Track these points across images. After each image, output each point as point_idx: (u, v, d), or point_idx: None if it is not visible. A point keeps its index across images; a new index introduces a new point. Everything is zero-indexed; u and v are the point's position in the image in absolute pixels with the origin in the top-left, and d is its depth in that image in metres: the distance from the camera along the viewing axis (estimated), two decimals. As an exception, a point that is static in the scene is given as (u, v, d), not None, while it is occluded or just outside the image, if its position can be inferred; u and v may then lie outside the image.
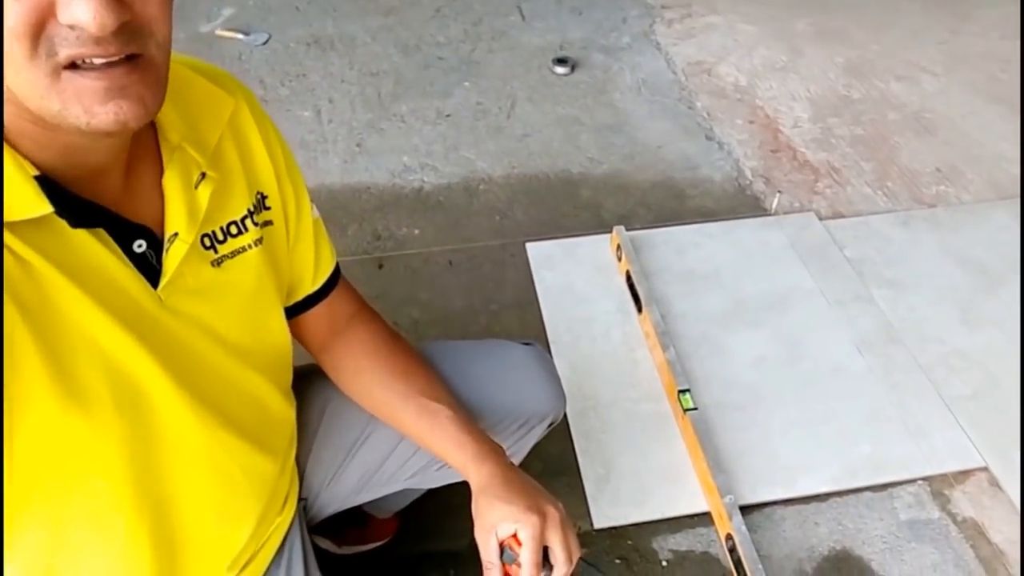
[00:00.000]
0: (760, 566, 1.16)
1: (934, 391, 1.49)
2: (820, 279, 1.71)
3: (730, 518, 1.21)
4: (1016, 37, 2.55)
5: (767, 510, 1.31)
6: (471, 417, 0.82)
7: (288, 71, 2.37)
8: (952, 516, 1.32)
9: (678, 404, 1.39)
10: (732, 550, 1.21)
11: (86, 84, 0.49)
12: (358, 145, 2.10)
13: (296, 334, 0.83)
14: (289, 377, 0.82)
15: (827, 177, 2.04)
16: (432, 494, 1.32)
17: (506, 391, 0.90)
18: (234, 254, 0.68)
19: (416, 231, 1.84)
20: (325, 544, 1.23)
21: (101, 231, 0.58)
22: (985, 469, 1.38)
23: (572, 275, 1.71)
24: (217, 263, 0.67)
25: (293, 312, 0.81)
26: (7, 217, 0.53)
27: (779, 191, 1.96)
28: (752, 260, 1.75)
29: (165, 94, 0.55)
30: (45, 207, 0.53)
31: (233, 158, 0.68)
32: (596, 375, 1.50)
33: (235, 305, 0.69)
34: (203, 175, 0.64)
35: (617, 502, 1.30)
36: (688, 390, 1.39)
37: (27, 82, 0.48)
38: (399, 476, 0.93)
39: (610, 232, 1.77)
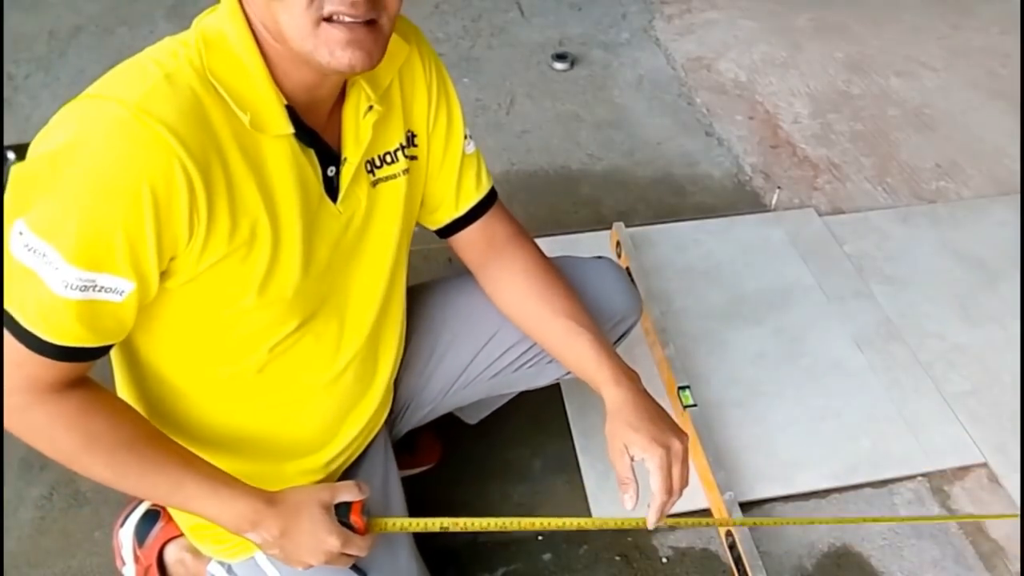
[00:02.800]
0: (760, 563, 1.16)
1: (934, 387, 1.49)
2: (820, 275, 1.71)
3: (730, 514, 1.21)
4: (1016, 32, 2.55)
5: (767, 506, 1.31)
6: (609, 344, 0.92)
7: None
8: (952, 512, 1.32)
9: (677, 401, 1.39)
10: (732, 547, 1.21)
11: (335, 34, 0.66)
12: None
13: (455, 250, 0.99)
14: (404, 281, 0.97)
15: (827, 173, 2.04)
16: (435, 494, 1.32)
17: (586, 295, 0.98)
18: (387, 179, 0.85)
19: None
20: None
21: (312, 153, 0.76)
22: (984, 465, 1.38)
23: (572, 272, 1.71)
24: (374, 184, 0.83)
25: (447, 232, 0.97)
26: (269, 131, 0.71)
27: (779, 187, 1.96)
28: (752, 256, 1.75)
29: (385, 53, 0.71)
30: (289, 129, 0.72)
31: (397, 99, 0.84)
32: (596, 372, 1.49)
33: (383, 218, 0.86)
34: (370, 107, 0.79)
35: (617, 500, 1.29)
36: (688, 387, 1.39)
37: (296, 26, 0.65)
38: (485, 375, 1.05)
39: (610, 229, 1.77)
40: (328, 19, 0.65)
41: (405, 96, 0.85)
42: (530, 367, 1.06)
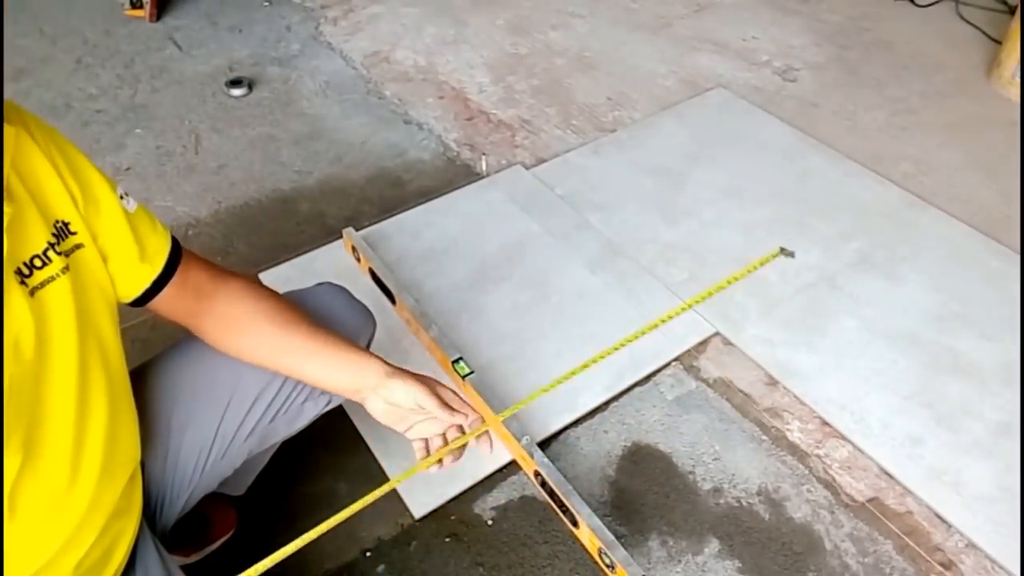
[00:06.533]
0: (570, 487, 1.24)
1: (660, 284, 1.69)
2: (542, 221, 1.84)
3: (532, 457, 1.27)
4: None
5: (561, 437, 1.41)
6: (348, 341, 0.91)
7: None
8: (705, 381, 1.52)
9: (456, 375, 1.42)
10: (543, 484, 1.28)
11: None
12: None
13: (163, 314, 0.88)
14: (127, 388, 0.85)
15: (521, 130, 2.19)
16: (249, 558, 1.23)
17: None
18: (43, 284, 0.72)
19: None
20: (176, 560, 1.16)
21: None
22: (717, 334, 1.60)
23: (317, 290, 1.66)
24: (32, 293, 0.71)
25: (145, 299, 0.86)
26: None
27: (484, 154, 2.07)
28: (481, 222, 1.84)
29: None
30: None
31: (21, 192, 0.71)
32: (371, 377, 1.48)
33: (59, 329, 0.73)
34: None
35: (429, 487, 1.30)
36: (460, 358, 1.43)
37: None
38: (239, 437, 0.97)
39: (341, 238, 1.75)
40: None
41: (31, 185, 0.72)
42: (285, 412, 0.99)
